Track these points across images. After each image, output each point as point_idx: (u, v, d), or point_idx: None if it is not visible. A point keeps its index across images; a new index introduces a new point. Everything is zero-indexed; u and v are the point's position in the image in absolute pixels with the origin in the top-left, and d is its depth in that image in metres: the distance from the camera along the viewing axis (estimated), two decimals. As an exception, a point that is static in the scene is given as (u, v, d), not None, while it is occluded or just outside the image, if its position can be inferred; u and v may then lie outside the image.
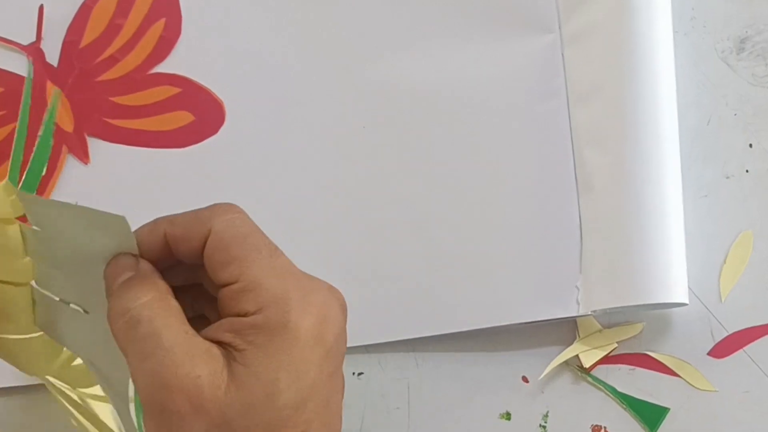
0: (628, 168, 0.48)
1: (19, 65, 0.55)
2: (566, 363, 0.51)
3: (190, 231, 0.34)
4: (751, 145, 0.51)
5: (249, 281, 0.32)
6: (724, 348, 0.50)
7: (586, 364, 0.50)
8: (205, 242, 0.33)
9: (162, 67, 0.54)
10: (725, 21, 0.52)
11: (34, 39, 0.55)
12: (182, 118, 0.54)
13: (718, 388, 0.50)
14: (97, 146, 0.54)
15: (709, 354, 0.50)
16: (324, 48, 0.53)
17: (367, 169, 0.52)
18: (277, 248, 0.33)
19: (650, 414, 0.50)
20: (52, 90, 0.54)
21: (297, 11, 0.53)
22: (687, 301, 0.48)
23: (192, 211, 0.34)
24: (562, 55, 0.51)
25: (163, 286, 0.34)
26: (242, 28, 0.54)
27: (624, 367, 0.50)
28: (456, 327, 0.50)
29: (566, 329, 0.51)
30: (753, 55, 0.52)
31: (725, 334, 0.50)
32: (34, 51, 0.54)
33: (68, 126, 0.54)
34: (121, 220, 0.34)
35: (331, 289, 0.34)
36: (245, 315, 0.32)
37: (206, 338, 0.32)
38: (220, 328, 0.32)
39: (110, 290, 0.34)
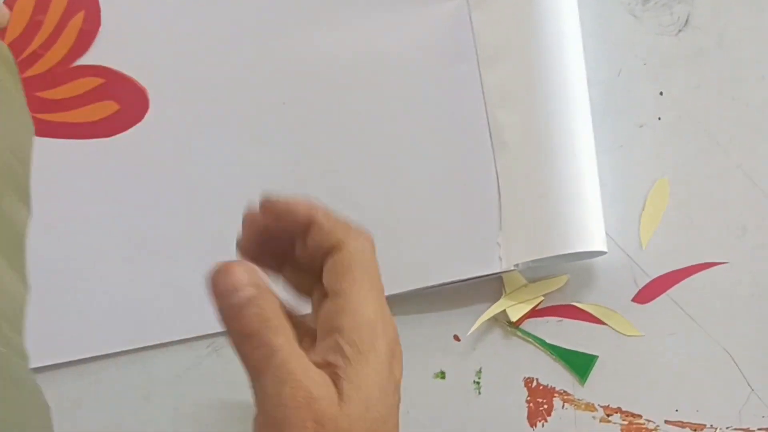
0: (539, 124, 0.50)
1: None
2: (495, 319, 0.53)
3: (323, 236, 0.38)
4: (661, 93, 0.53)
5: (354, 302, 0.37)
6: (647, 293, 0.52)
7: (514, 319, 0.52)
8: (330, 250, 0.38)
9: (84, 59, 0.56)
10: (630, -26, 0.54)
11: (-47, 40, 0.57)
12: (107, 107, 0.56)
13: (644, 333, 0.52)
14: (25, 142, 0.57)
15: (633, 300, 0.52)
16: (239, 29, 0.55)
17: (290, 144, 0.54)
18: (382, 287, 0.39)
19: (580, 362, 0.52)
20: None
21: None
22: (606, 249, 0.50)
23: (334, 215, 0.39)
24: (470, 18, 0.53)
25: (279, 304, 0.37)
26: (160, 15, 0.56)
27: (552, 320, 0.53)
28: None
29: (493, 287, 0.53)
30: (658, 5, 0.54)
31: (648, 280, 0.53)
32: (-46, 51, 0.57)
33: (-5, 125, 0.57)
34: None
35: (396, 330, 0.39)
36: (339, 329, 0.36)
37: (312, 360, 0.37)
38: (322, 350, 0.37)
39: (229, 306, 0.36)
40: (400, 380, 0.38)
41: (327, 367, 0.36)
